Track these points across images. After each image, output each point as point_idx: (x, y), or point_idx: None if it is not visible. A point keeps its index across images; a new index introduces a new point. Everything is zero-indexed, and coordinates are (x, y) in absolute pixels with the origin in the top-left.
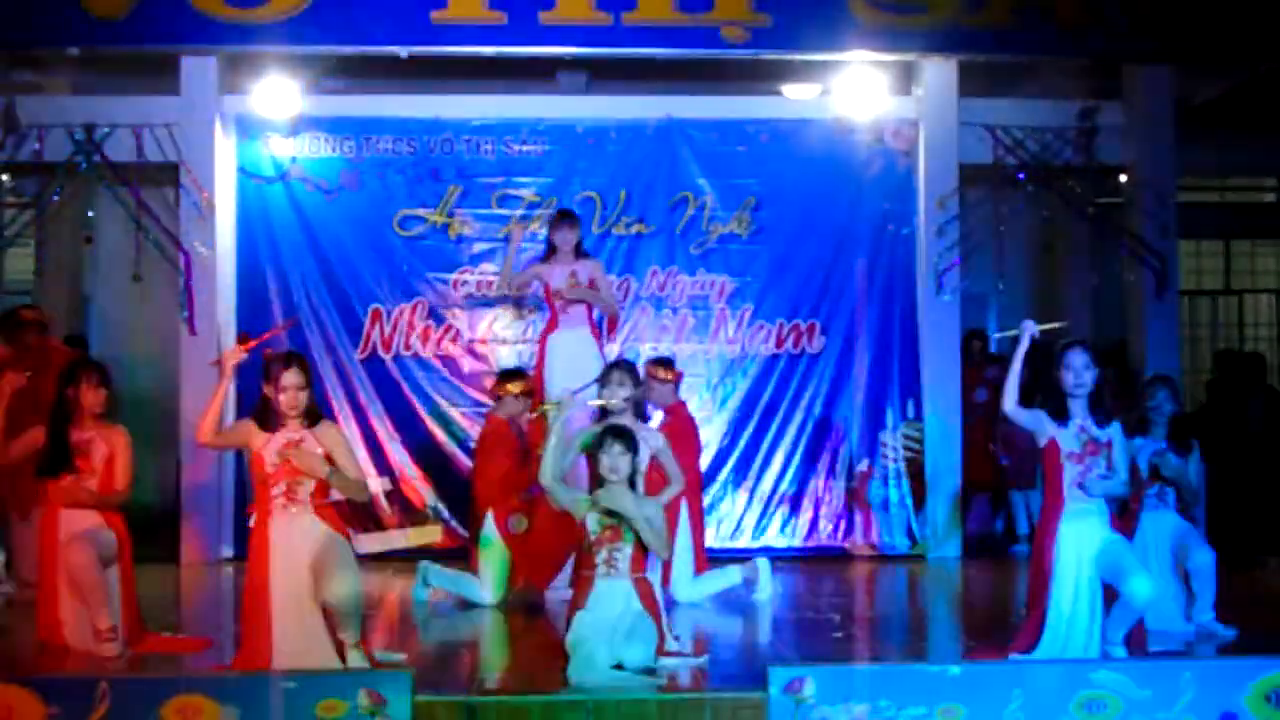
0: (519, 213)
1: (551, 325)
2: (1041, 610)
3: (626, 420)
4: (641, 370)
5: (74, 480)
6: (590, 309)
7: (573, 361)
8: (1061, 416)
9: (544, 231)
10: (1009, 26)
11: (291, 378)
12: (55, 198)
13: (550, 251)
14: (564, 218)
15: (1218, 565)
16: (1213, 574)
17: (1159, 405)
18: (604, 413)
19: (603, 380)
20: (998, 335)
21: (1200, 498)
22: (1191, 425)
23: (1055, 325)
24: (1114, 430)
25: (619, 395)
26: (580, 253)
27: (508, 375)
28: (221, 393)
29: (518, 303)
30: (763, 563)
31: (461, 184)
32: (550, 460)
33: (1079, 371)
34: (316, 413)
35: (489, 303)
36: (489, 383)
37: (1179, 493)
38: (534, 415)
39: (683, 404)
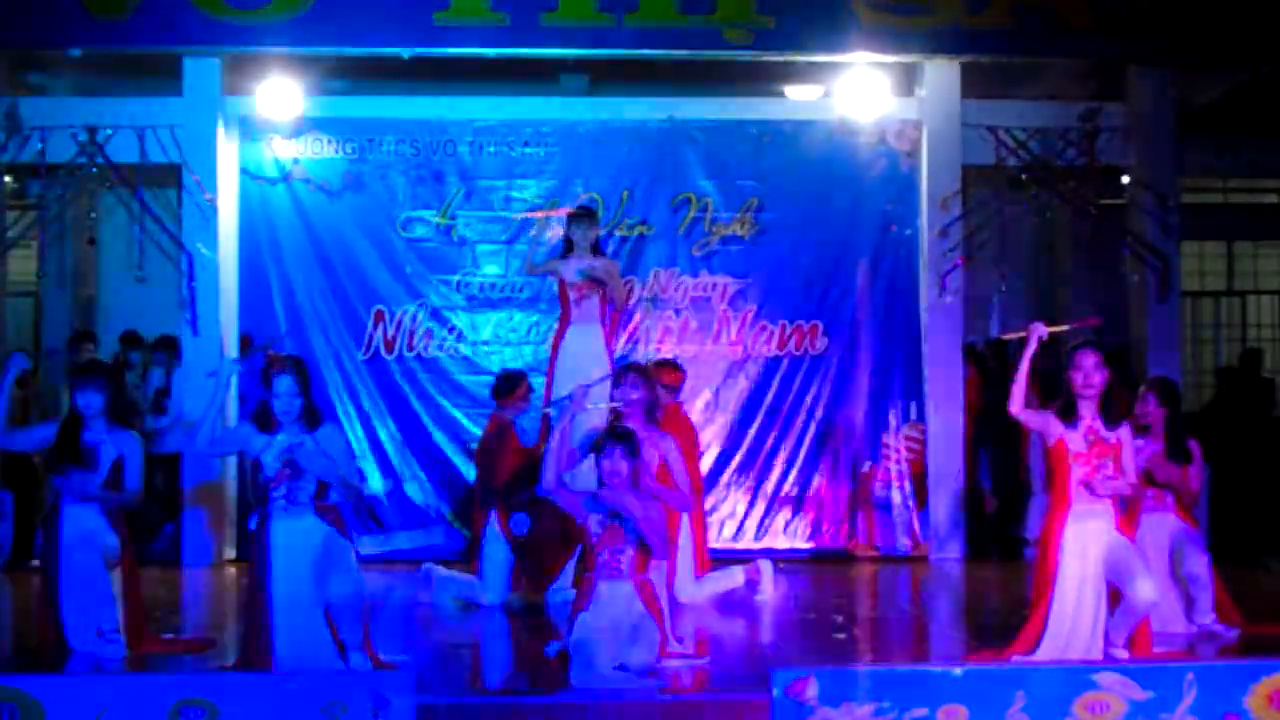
0: (522, 214)
1: (564, 322)
2: (1044, 610)
3: (636, 424)
4: None
5: (84, 476)
6: (603, 307)
7: (582, 358)
8: (1070, 417)
9: (547, 232)
10: (1011, 28)
11: (283, 385)
12: (58, 199)
13: (567, 248)
14: (582, 215)
15: (1222, 565)
16: (1210, 578)
17: (1149, 411)
18: (615, 414)
19: (616, 383)
20: (1007, 337)
21: (1201, 500)
22: (1188, 428)
23: (1064, 327)
24: (1123, 432)
25: (631, 398)
26: (597, 250)
27: (506, 383)
28: (217, 402)
29: (523, 304)
30: (765, 564)
31: (464, 186)
32: (553, 463)
33: (1089, 372)
34: (317, 417)
35: (492, 304)
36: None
37: (1178, 496)
38: (542, 412)
39: (679, 405)
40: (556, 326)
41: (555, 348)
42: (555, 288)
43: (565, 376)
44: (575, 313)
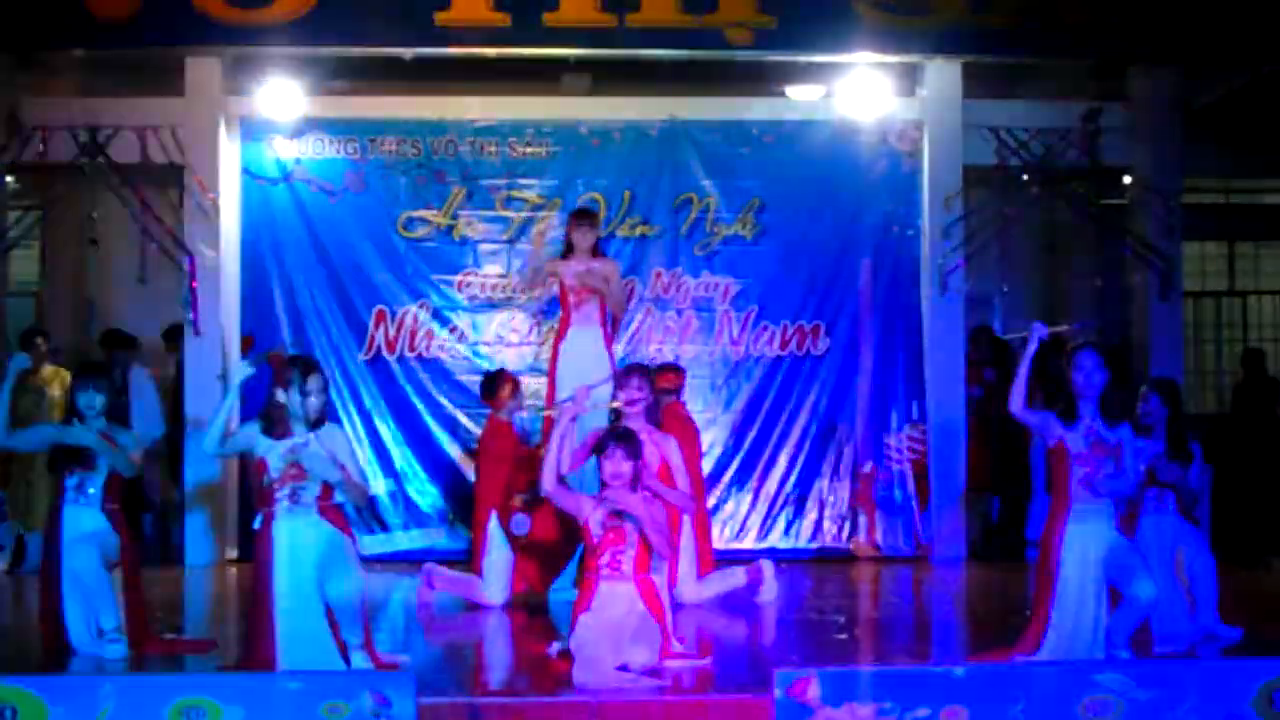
0: (523, 214)
1: (564, 324)
2: (1046, 611)
3: (638, 424)
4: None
5: (84, 475)
6: (603, 309)
7: (583, 360)
8: (1071, 417)
9: (553, 232)
10: (1013, 28)
11: (316, 383)
12: (60, 200)
13: (568, 250)
14: (583, 217)
15: (1227, 566)
16: (1213, 578)
17: (1151, 411)
18: (617, 415)
19: (619, 384)
20: (1007, 337)
21: (1202, 501)
22: (1188, 429)
23: (1064, 328)
24: (1124, 432)
25: (634, 398)
26: (597, 252)
27: (489, 385)
28: (229, 405)
29: (524, 305)
30: (767, 564)
31: (466, 186)
32: (551, 466)
33: (1089, 372)
34: (322, 417)
35: (493, 304)
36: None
37: (1179, 496)
38: (544, 414)
39: (680, 404)
40: (556, 328)
41: (555, 350)
42: (556, 290)
43: (567, 378)
44: (575, 315)
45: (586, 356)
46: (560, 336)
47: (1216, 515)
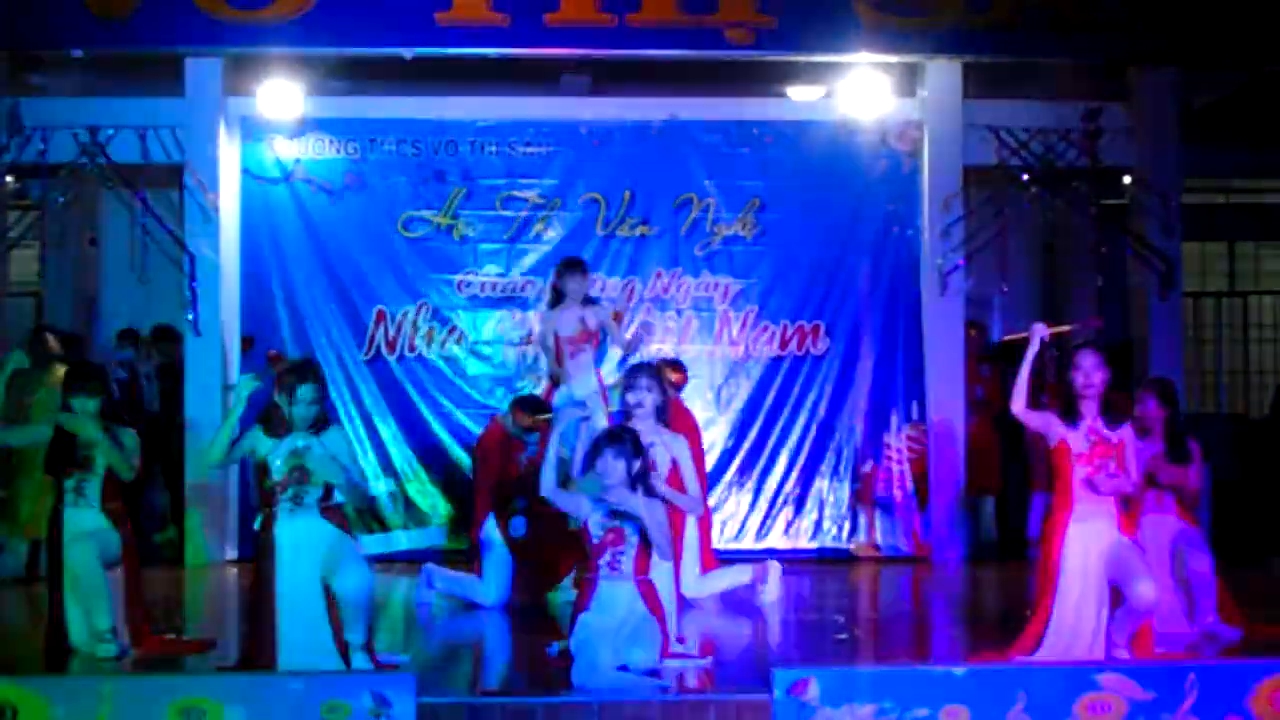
0: (523, 214)
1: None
2: (1046, 611)
3: (648, 424)
4: None
5: (82, 477)
6: (595, 353)
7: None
8: (1072, 417)
9: (549, 232)
10: (1013, 28)
11: (308, 393)
12: (60, 199)
13: (556, 299)
14: (573, 267)
15: (1227, 566)
16: (1212, 578)
17: (1148, 412)
18: (626, 415)
19: (629, 383)
20: (1006, 339)
21: (1202, 501)
22: (1186, 429)
23: (1065, 328)
24: (1125, 431)
25: (643, 399)
26: (587, 300)
27: (529, 405)
28: (235, 418)
29: (523, 305)
30: (774, 565)
31: (466, 186)
32: (550, 470)
33: (1089, 372)
34: (325, 420)
35: (493, 304)
36: (515, 411)
37: (1179, 496)
38: (541, 418)
39: (678, 402)
40: (545, 382)
41: (548, 396)
42: (550, 341)
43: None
44: (571, 364)
45: (586, 399)
46: (553, 388)
47: (1217, 515)
